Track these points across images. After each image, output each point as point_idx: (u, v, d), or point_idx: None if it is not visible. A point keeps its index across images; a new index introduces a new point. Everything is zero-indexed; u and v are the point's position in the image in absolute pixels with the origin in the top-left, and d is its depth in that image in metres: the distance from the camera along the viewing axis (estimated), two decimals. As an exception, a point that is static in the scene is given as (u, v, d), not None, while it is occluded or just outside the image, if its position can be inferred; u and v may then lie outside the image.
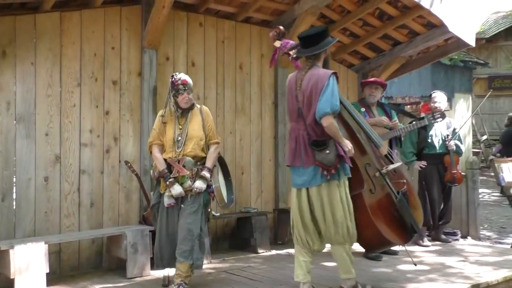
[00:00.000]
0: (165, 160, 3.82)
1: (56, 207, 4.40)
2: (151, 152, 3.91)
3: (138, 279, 4.23)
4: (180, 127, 3.82)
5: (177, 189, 3.70)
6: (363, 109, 5.02)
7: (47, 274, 3.85)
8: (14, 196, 4.22)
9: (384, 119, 5.03)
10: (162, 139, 3.84)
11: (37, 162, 4.32)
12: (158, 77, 4.90)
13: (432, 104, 5.52)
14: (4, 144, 4.17)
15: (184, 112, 3.85)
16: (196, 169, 3.78)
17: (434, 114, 5.27)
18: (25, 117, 4.27)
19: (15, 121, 4.23)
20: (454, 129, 5.60)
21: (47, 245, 3.90)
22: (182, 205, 3.76)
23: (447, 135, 5.49)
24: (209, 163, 3.83)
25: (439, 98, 5.52)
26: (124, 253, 4.28)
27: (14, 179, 4.22)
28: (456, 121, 6.67)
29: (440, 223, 5.60)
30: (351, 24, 6.01)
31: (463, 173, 5.81)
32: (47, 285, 3.86)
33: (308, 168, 3.48)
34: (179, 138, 3.78)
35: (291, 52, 3.69)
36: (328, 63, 3.68)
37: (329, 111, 3.38)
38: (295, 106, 3.57)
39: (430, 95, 5.62)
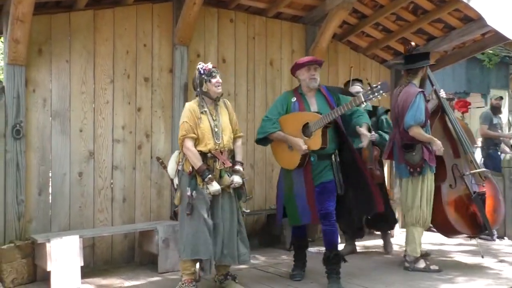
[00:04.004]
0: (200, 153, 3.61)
1: (90, 202, 4.49)
2: (182, 146, 3.64)
3: (169, 273, 4.27)
4: (214, 118, 3.70)
5: (215, 187, 3.58)
6: (294, 99, 4.00)
7: (81, 267, 3.93)
8: (50, 191, 4.32)
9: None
10: (197, 132, 3.62)
11: (72, 158, 4.40)
12: (189, 73, 4.91)
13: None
14: (41, 140, 4.27)
15: (214, 103, 3.75)
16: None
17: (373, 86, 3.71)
18: (60, 113, 4.36)
19: (50, 118, 4.32)
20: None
21: (81, 238, 3.98)
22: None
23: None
24: (239, 157, 3.81)
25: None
26: (156, 248, 4.33)
27: (50, 174, 4.32)
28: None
29: None
30: (384, 19, 5.88)
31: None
32: (82, 277, 3.93)
33: (401, 164, 4.34)
34: (216, 129, 3.66)
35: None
36: (425, 82, 4.44)
37: (413, 123, 4.12)
38: (394, 115, 4.42)
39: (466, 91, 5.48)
